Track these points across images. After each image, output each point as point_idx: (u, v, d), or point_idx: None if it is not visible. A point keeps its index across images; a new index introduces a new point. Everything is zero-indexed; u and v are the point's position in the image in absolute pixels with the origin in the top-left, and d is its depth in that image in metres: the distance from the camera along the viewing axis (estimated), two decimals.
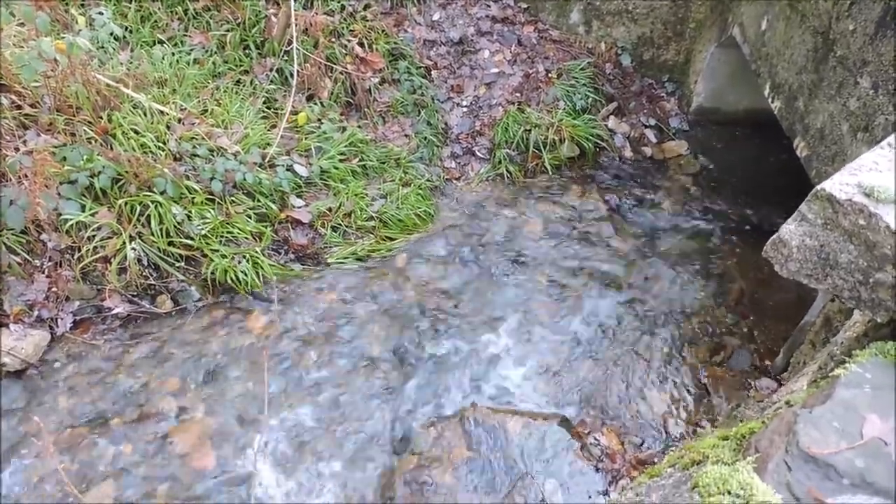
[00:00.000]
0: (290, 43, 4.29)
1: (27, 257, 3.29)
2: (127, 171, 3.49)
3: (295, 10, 4.28)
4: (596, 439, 3.12)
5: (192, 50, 4.37)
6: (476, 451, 2.98)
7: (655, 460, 3.01)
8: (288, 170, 4.01)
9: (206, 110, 4.07)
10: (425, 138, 4.67)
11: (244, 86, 4.39)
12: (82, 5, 4.18)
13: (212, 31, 4.49)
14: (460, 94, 4.99)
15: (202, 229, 3.60)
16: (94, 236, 3.40)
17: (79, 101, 3.59)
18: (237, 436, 3.04)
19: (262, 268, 3.71)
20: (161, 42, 4.34)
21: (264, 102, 4.36)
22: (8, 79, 3.47)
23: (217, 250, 3.62)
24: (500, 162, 4.71)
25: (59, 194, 3.35)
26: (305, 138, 4.25)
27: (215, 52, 4.43)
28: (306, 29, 4.48)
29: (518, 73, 5.02)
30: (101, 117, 3.64)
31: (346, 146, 4.33)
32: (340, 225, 4.06)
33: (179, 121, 3.89)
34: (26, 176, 3.26)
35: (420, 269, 3.99)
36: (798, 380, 2.24)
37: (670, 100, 5.29)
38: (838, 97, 3.09)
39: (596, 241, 4.27)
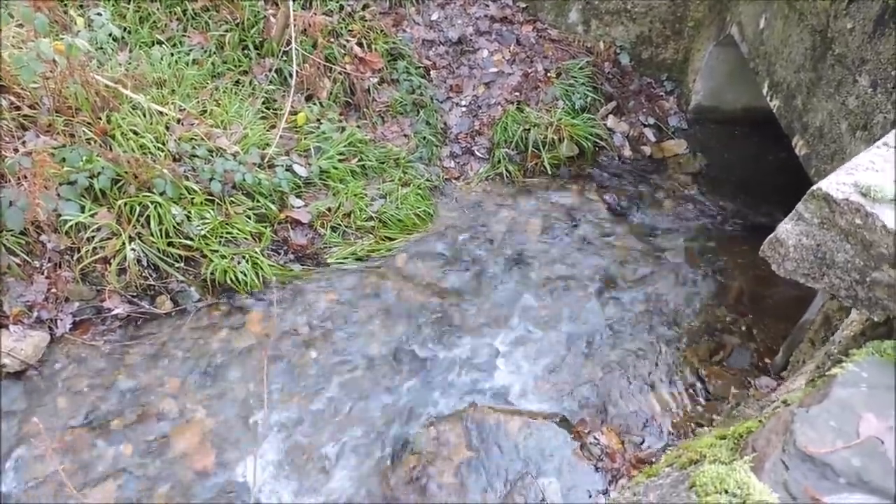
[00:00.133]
0: (288, 43, 4.29)
1: (27, 258, 3.29)
2: (126, 172, 3.49)
3: (293, 11, 4.28)
4: (596, 438, 3.12)
5: (190, 50, 4.37)
6: (476, 451, 2.98)
7: (655, 459, 3.01)
8: (287, 170, 4.01)
9: (205, 111, 4.07)
10: (424, 138, 4.67)
11: (243, 86, 4.39)
12: (81, 6, 4.18)
13: (210, 32, 4.49)
14: (459, 94, 4.99)
15: (202, 230, 3.60)
16: (93, 237, 3.41)
17: (78, 101, 3.59)
18: (237, 436, 3.04)
19: (261, 268, 3.71)
20: (160, 43, 4.34)
21: (263, 103, 4.36)
22: (7, 80, 3.47)
23: (216, 251, 3.63)
24: (499, 161, 4.71)
25: (58, 195, 3.35)
26: (304, 138, 4.25)
27: (214, 53, 4.43)
28: (305, 29, 4.48)
29: (517, 73, 5.02)
30: (101, 118, 3.64)
31: (345, 146, 4.33)
32: (340, 225, 4.06)
33: (178, 121, 3.89)
34: (25, 177, 3.26)
35: (419, 268, 4.00)
36: (796, 378, 2.24)
37: (669, 99, 5.29)
38: (837, 95, 3.09)
39: (595, 240, 4.28)
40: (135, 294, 3.50)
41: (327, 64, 4.54)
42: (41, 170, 3.28)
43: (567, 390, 3.37)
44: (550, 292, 3.89)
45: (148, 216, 3.50)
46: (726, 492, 0.95)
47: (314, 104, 4.48)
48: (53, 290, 3.33)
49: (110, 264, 3.43)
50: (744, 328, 3.70)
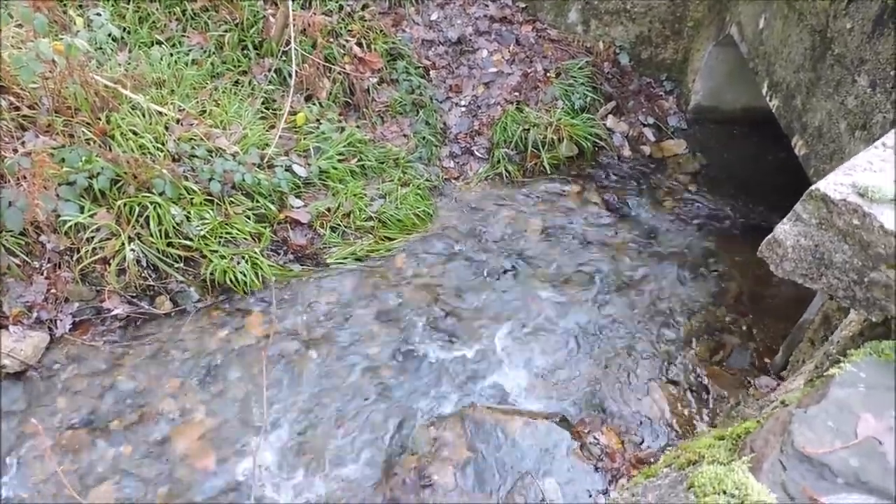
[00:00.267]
0: (288, 43, 4.29)
1: (26, 259, 3.29)
2: (126, 173, 3.49)
3: (293, 11, 4.28)
4: (595, 438, 3.12)
5: (190, 51, 4.37)
6: (476, 451, 2.98)
7: (655, 459, 3.01)
8: (286, 170, 4.01)
9: (205, 111, 4.07)
10: (424, 138, 4.67)
11: (242, 86, 4.39)
12: (80, 6, 4.18)
13: (210, 32, 4.49)
14: (459, 94, 4.99)
15: (201, 230, 3.60)
16: (93, 237, 3.41)
17: (77, 102, 3.59)
18: (237, 436, 3.04)
19: (261, 268, 3.71)
20: (159, 43, 4.34)
21: (263, 103, 4.36)
22: (6, 80, 3.47)
23: (216, 251, 3.63)
24: (498, 161, 4.71)
25: (57, 196, 3.35)
26: (304, 139, 4.25)
27: (213, 53, 4.43)
28: (304, 29, 4.48)
29: (516, 73, 5.02)
30: (100, 118, 3.64)
31: (344, 146, 4.33)
32: (339, 225, 4.06)
33: (178, 121, 3.89)
34: (25, 177, 3.26)
35: (419, 268, 4.00)
36: (796, 378, 2.24)
37: (668, 98, 5.29)
38: (836, 95, 3.09)
39: (594, 240, 4.28)
40: (134, 294, 3.50)
41: (327, 64, 4.54)
42: (40, 170, 3.29)
43: (567, 390, 3.37)
44: (550, 292, 3.89)
45: (147, 216, 3.50)
46: (724, 492, 0.95)
47: (313, 104, 4.48)
48: (53, 291, 3.33)
49: (110, 265, 3.43)
50: (743, 328, 3.70)
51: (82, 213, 3.40)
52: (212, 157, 3.78)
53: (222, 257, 3.62)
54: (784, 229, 1.21)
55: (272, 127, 4.20)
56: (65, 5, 4.10)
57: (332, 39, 4.65)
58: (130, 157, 3.51)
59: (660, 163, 4.97)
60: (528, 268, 4.05)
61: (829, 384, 1.05)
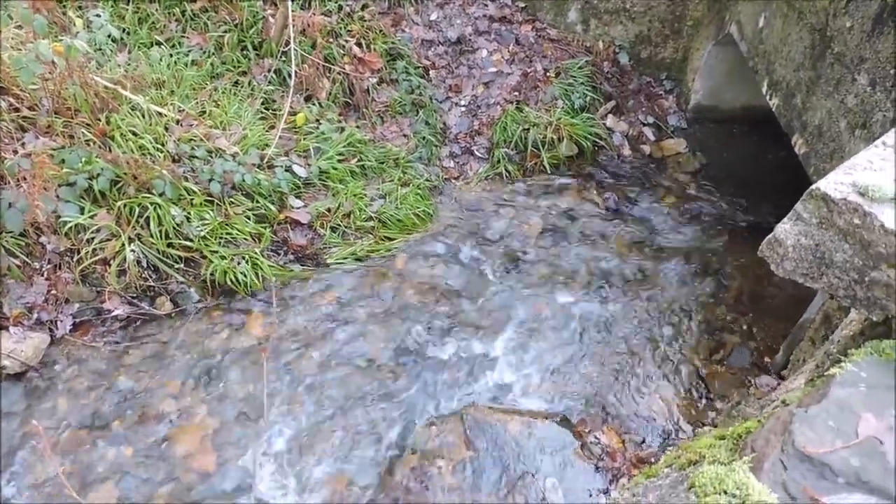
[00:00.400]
0: (287, 44, 4.29)
1: (26, 260, 3.29)
2: (126, 173, 3.49)
3: (292, 11, 4.28)
4: (596, 438, 3.12)
5: (189, 51, 4.37)
6: (476, 451, 2.98)
7: (655, 458, 3.01)
8: (286, 170, 4.01)
9: (205, 111, 4.07)
10: (424, 138, 4.67)
11: (242, 87, 4.39)
12: (80, 7, 4.18)
13: (209, 33, 4.48)
14: (458, 94, 4.99)
15: (201, 231, 3.60)
16: (93, 238, 3.41)
17: (77, 103, 3.59)
18: (238, 437, 3.04)
19: (261, 269, 3.71)
20: (159, 43, 4.34)
21: (262, 103, 4.36)
22: (6, 81, 3.47)
23: (216, 251, 3.63)
24: (498, 161, 4.71)
25: (57, 197, 3.35)
26: (304, 139, 4.25)
27: (213, 54, 4.43)
28: (304, 29, 4.48)
29: (516, 73, 5.02)
30: (100, 119, 3.64)
31: (344, 146, 4.33)
32: (339, 225, 4.06)
33: (178, 122, 3.89)
34: (25, 178, 3.26)
35: (419, 269, 3.99)
36: (796, 378, 2.24)
37: (668, 98, 5.29)
38: (836, 94, 3.09)
39: (594, 239, 4.28)
40: (135, 295, 3.50)
41: (326, 64, 4.54)
42: (40, 171, 3.28)
43: (567, 389, 3.37)
44: (550, 292, 3.89)
45: (147, 217, 3.50)
46: (725, 492, 0.95)
47: (313, 104, 4.48)
48: (53, 292, 3.33)
49: (110, 265, 3.43)
50: (744, 327, 3.70)
51: (82, 214, 3.40)
52: (212, 157, 3.78)
53: (222, 258, 3.62)
54: (784, 228, 1.21)
55: (272, 127, 4.20)
56: (64, 6, 4.10)
57: (331, 40, 4.64)
58: (130, 158, 3.51)
59: (660, 162, 4.97)
60: (528, 267, 4.04)
61: (829, 384, 1.05)
